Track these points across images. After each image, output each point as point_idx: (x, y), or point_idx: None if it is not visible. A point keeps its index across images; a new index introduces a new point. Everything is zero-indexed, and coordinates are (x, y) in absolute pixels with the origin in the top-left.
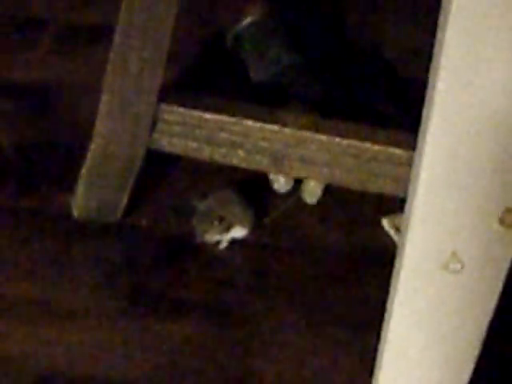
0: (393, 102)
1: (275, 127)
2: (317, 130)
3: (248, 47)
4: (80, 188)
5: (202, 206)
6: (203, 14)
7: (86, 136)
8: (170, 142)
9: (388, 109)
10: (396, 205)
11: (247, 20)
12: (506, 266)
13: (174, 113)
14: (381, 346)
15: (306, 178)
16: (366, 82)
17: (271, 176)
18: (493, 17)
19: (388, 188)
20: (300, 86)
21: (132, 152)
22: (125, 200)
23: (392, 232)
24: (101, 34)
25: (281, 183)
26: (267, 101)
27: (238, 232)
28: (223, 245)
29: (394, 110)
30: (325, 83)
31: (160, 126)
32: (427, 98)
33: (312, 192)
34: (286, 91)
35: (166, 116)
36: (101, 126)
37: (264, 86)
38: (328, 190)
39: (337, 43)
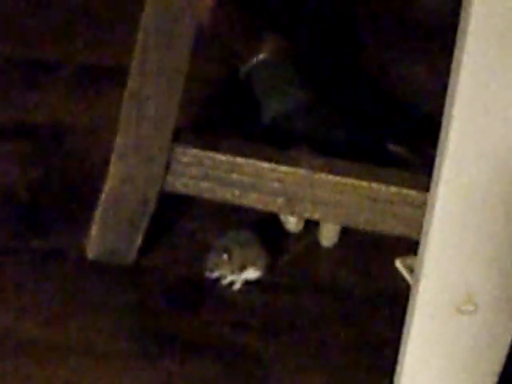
0: (405, 142)
1: (288, 168)
2: (330, 171)
3: (259, 85)
4: (94, 229)
5: (216, 243)
6: (217, 53)
7: (100, 177)
8: (183, 184)
9: (400, 150)
10: (410, 246)
11: (260, 57)
12: None
13: (187, 154)
14: None
15: (319, 219)
16: (379, 122)
17: (282, 216)
18: (506, 59)
19: (402, 230)
20: (309, 127)
21: (146, 193)
22: (139, 241)
23: (406, 273)
24: (115, 76)
25: (292, 223)
26: (279, 141)
27: (252, 273)
28: (237, 286)
29: (406, 152)
30: (336, 124)
31: (174, 167)
32: (441, 140)
33: (328, 236)
34: (293, 133)
35: (179, 157)
36: (115, 168)
37: (271, 127)
38: (342, 230)
39: (350, 81)
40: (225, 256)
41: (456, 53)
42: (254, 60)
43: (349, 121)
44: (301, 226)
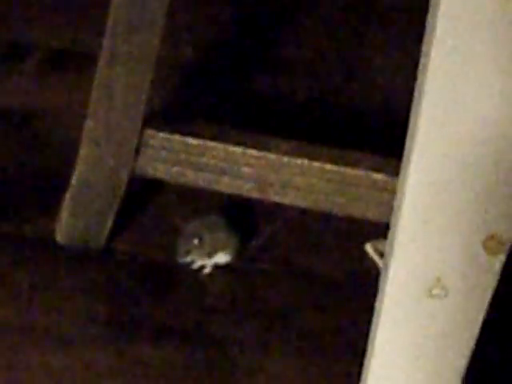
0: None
1: (258, 152)
2: (300, 156)
3: None
4: (64, 213)
5: (186, 228)
6: (187, 37)
7: (70, 162)
8: (154, 168)
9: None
10: (380, 230)
11: None
12: (489, 292)
13: (158, 138)
14: (364, 373)
15: (289, 203)
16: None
17: None
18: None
19: (372, 214)
20: None
21: (116, 177)
22: (109, 225)
23: (376, 257)
24: (85, 60)
25: None
26: (251, 124)
27: (222, 258)
28: (207, 270)
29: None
30: None
31: (144, 151)
32: (410, 124)
33: None
34: None
35: (150, 141)
36: (85, 152)
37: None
38: (313, 215)
39: None
40: (196, 241)
41: (425, 40)
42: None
43: None
44: None
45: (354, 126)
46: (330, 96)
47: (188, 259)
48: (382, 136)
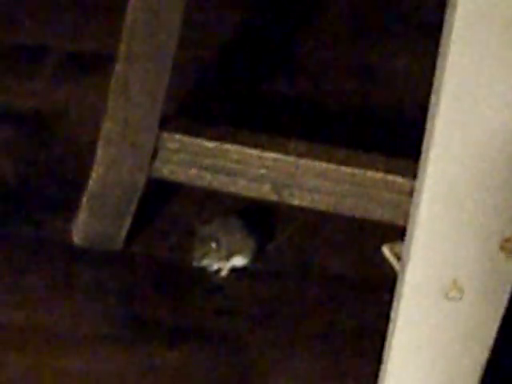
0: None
1: (275, 155)
2: (317, 158)
3: None
4: (81, 215)
5: (202, 231)
6: (205, 39)
7: (88, 164)
8: (170, 170)
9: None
10: (397, 232)
11: None
12: (506, 294)
13: (174, 141)
14: (381, 374)
15: (306, 206)
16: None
17: None
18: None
19: (389, 216)
20: None
21: (133, 180)
22: (126, 228)
23: (393, 260)
24: (102, 62)
25: None
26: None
27: (239, 261)
28: (224, 273)
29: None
30: None
31: (161, 153)
32: (428, 127)
33: None
34: None
35: (167, 144)
36: (102, 154)
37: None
38: (329, 217)
39: None
40: (213, 245)
41: (442, 43)
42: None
43: None
44: None
45: (371, 128)
46: (347, 98)
47: (205, 262)
48: (399, 138)
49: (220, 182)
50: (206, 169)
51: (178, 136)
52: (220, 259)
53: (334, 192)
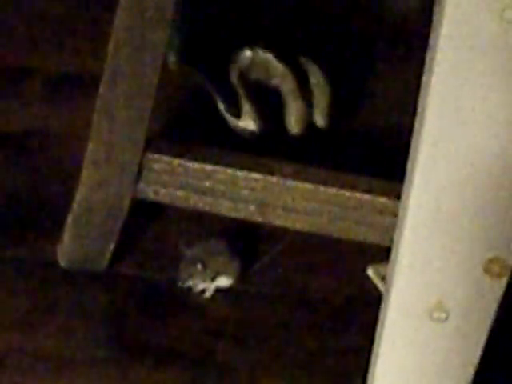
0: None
1: (260, 176)
2: (302, 179)
3: None
4: (66, 237)
5: (188, 252)
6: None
7: (72, 185)
8: (155, 191)
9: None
10: (382, 253)
11: None
12: (490, 315)
13: (160, 162)
14: None
15: (291, 227)
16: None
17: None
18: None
19: (373, 237)
20: None
21: (118, 201)
22: (111, 248)
23: (378, 281)
24: (87, 83)
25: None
26: (251, 148)
27: (224, 281)
28: (208, 293)
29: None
30: None
31: (146, 174)
32: (412, 148)
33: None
34: None
35: (152, 165)
36: (86, 175)
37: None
38: (314, 238)
39: None
40: (199, 266)
41: (428, 56)
42: None
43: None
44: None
45: (356, 150)
46: (331, 120)
47: (190, 283)
48: (383, 159)
49: (205, 203)
50: (191, 190)
51: (163, 157)
52: (205, 280)
53: (319, 213)
